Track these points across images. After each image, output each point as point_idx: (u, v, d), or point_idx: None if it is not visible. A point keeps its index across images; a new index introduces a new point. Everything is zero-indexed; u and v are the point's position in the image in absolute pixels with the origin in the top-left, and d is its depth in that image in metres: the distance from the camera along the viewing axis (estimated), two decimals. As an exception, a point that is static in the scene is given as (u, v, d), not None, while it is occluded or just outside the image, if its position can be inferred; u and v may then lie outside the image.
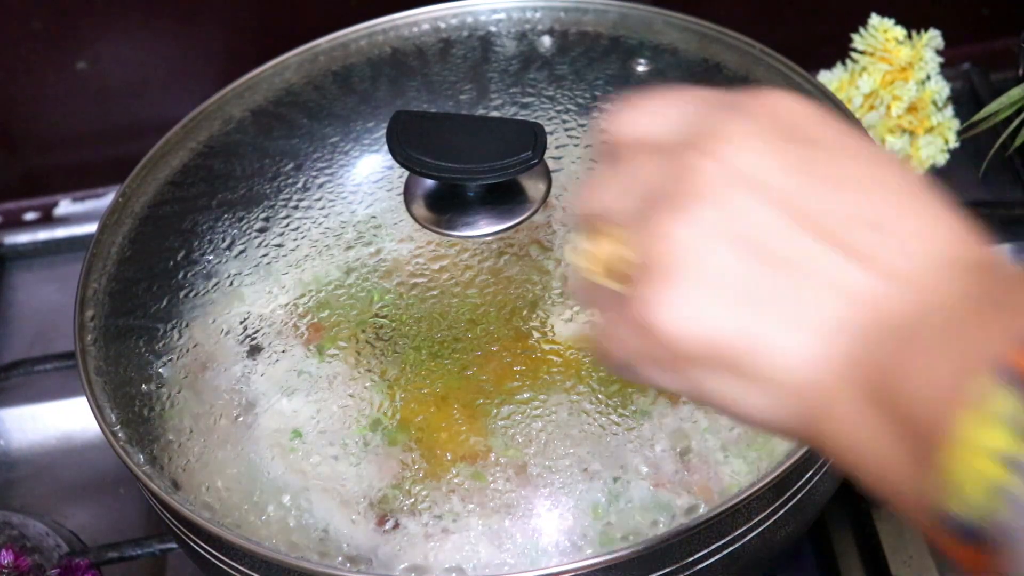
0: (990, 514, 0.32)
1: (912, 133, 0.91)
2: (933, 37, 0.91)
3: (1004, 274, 0.35)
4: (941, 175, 0.96)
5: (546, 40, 0.82)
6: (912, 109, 0.91)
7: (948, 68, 0.93)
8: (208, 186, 0.77)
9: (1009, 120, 0.86)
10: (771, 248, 0.37)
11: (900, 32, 0.90)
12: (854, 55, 0.91)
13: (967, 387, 0.32)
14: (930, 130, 0.91)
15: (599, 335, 0.43)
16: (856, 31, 0.91)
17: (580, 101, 0.79)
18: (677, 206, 0.38)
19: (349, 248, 0.72)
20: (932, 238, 0.36)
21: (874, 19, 0.91)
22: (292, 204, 0.75)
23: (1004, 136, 0.85)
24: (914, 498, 0.35)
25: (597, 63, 0.80)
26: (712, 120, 0.39)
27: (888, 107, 0.90)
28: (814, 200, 0.37)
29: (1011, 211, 0.95)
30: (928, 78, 0.91)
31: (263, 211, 0.75)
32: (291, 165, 0.77)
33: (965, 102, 0.99)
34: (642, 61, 0.80)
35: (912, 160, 0.92)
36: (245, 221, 0.75)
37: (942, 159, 0.92)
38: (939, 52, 0.91)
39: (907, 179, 0.38)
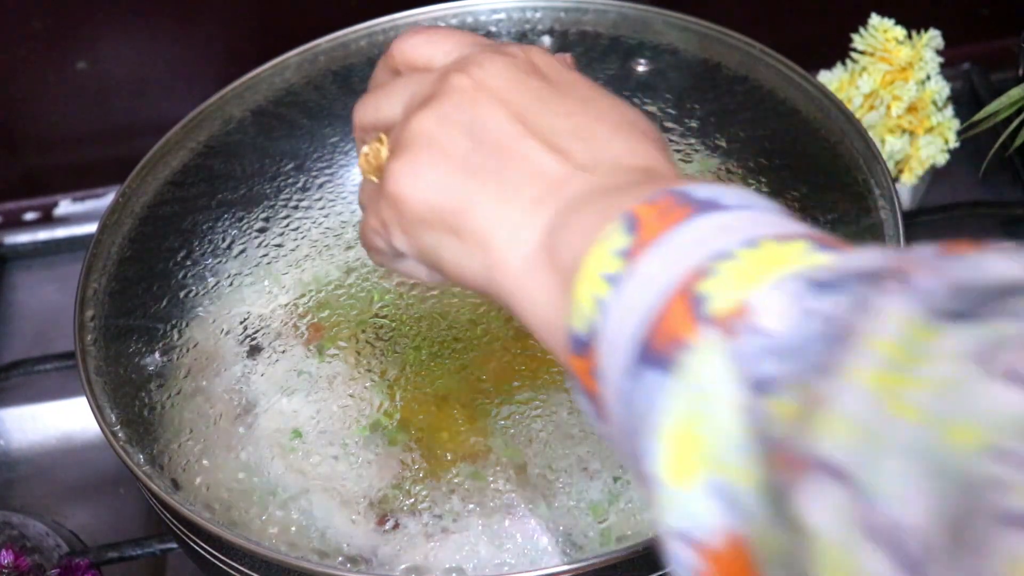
0: (592, 322, 0.40)
1: (912, 133, 0.91)
2: (933, 37, 0.91)
3: (659, 173, 0.44)
4: (941, 175, 0.96)
5: (546, 40, 0.82)
6: (912, 109, 0.91)
7: (948, 68, 0.93)
8: (208, 186, 0.77)
9: (1009, 120, 0.86)
10: (495, 138, 0.46)
11: (900, 32, 0.90)
12: (854, 55, 0.91)
13: (600, 232, 0.40)
14: (930, 130, 0.91)
15: (363, 226, 0.51)
16: (856, 31, 0.91)
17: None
18: (427, 103, 0.48)
19: (349, 248, 0.72)
20: (617, 151, 0.45)
21: (874, 19, 0.91)
22: (292, 204, 0.75)
23: (1004, 136, 0.85)
24: (556, 333, 0.42)
25: (597, 63, 0.80)
26: (476, 53, 0.49)
27: (888, 107, 0.90)
28: (536, 114, 0.46)
29: (1011, 211, 0.96)
30: (928, 78, 0.90)
31: (263, 211, 0.75)
32: (291, 165, 0.77)
33: (965, 102, 0.99)
34: (642, 61, 0.80)
35: (912, 160, 0.92)
36: (245, 221, 0.75)
37: (942, 159, 0.92)
38: (939, 52, 0.91)
39: (620, 117, 0.47)
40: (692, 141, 0.76)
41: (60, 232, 1.03)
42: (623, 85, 0.80)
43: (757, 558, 0.34)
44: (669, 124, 0.77)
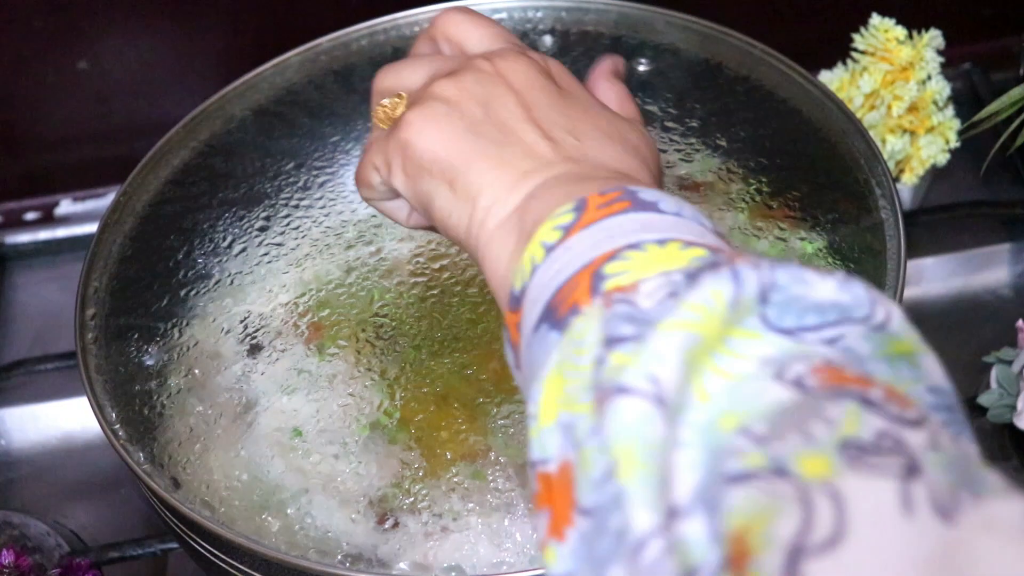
0: (525, 281, 0.46)
1: (913, 133, 0.91)
2: (934, 37, 0.91)
3: (633, 179, 0.50)
4: (942, 175, 0.96)
5: (547, 40, 0.82)
6: (913, 109, 0.91)
7: (949, 68, 0.93)
8: (209, 185, 0.77)
9: (1010, 120, 0.86)
10: (502, 117, 0.52)
11: (901, 32, 0.90)
12: (855, 55, 0.91)
13: (558, 208, 0.47)
14: (931, 130, 0.91)
15: (362, 162, 0.56)
16: (856, 31, 0.91)
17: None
18: (451, 75, 0.54)
19: (350, 247, 0.73)
20: (603, 154, 0.51)
21: (875, 19, 0.91)
22: (293, 203, 0.76)
23: (1005, 136, 0.85)
24: (504, 290, 0.48)
25: (595, 49, 0.80)
26: (504, 48, 0.56)
27: (889, 107, 0.90)
28: (540, 108, 0.53)
29: (1011, 211, 0.96)
30: (929, 78, 0.90)
31: (264, 210, 0.75)
32: (292, 164, 0.77)
33: (966, 102, 0.99)
34: (643, 61, 0.80)
35: (913, 160, 0.92)
36: (246, 220, 0.75)
37: (943, 159, 0.92)
38: (940, 52, 0.91)
39: (615, 130, 0.53)
40: (693, 141, 0.76)
41: (61, 232, 1.03)
42: (625, 84, 0.80)
43: (576, 479, 0.39)
44: (670, 124, 0.77)
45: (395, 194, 0.56)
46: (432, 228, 0.56)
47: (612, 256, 0.44)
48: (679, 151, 0.76)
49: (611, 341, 0.40)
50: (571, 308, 0.43)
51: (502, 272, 0.49)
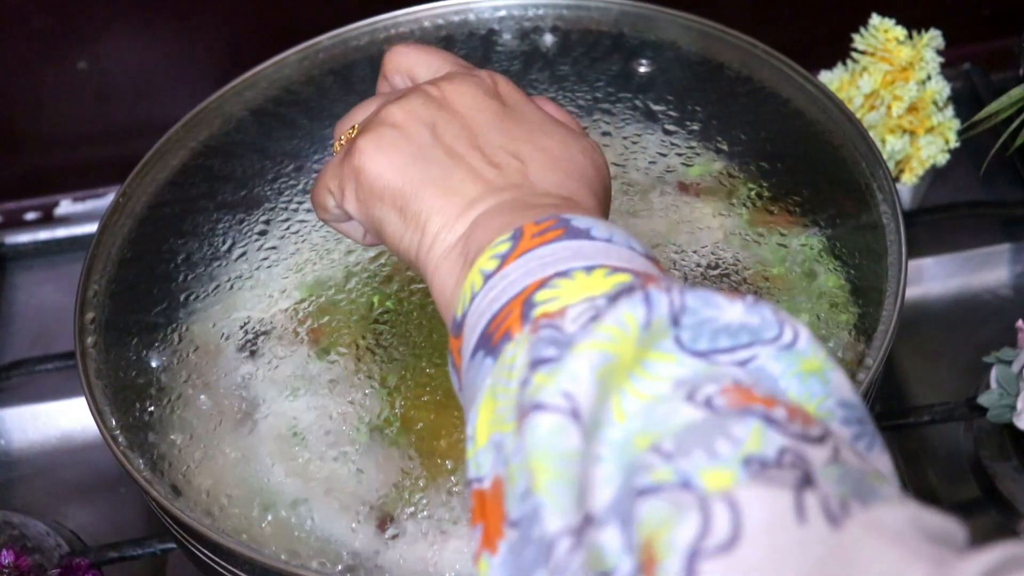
0: (465, 308, 0.48)
1: (913, 133, 0.91)
2: (934, 37, 0.91)
3: (575, 204, 0.52)
4: (942, 175, 0.96)
5: (548, 38, 0.82)
6: (913, 109, 0.91)
7: (948, 68, 0.93)
8: (208, 187, 0.77)
9: (1009, 120, 0.86)
10: (447, 142, 0.53)
11: (900, 32, 0.90)
12: (854, 55, 0.91)
13: (495, 239, 0.49)
14: (931, 130, 0.91)
15: (317, 183, 0.58)
16: (856, 31, 0.91)
17: (582, 101, 0.79)
18: (398, 100, 0.55)
19: (350, 252, 0.72)
20: (546, 179, 0.53)
21: (874, 19, 0.91)
22: (292, 207, 0.75)
23: (1004, 136, 0.85)
24: (449, 317, 0.50)
25: (599, 62, 0.80)
26: (449, 73, 0.57)
27: (889, 107, 0.90)
28: (485, 131, 0.54)
29: (1011, 211, 0.96)
30: (929, 78, 0.90)
31: (263, 213, 0.75)
32: (292, 167, 0.77)
33: (965, 102, 0.99)
34: (644, 61, 0.80)
35: (913, 160, 0.92)
36: (245, 224, 0.75)
37: (943, 159, 0.92)
38: (939, 52, 0.91)
39: (562, 152, 0.54)
40: (694, 144, 0.76)
41: (61, 232, 1.03)
42: (625, 84, 0.80)
43: (506, 494, 0.42)
44: (671, 127, 0.77)
45: (349, 216, 0.57)
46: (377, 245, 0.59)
47: (542, 284, 0.46)
48: (680, 155, 0.76)
49: (535, 363, 0.42)
50: (504, 335, 0.45)
51: (448, 298, 0.51)
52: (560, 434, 0.40)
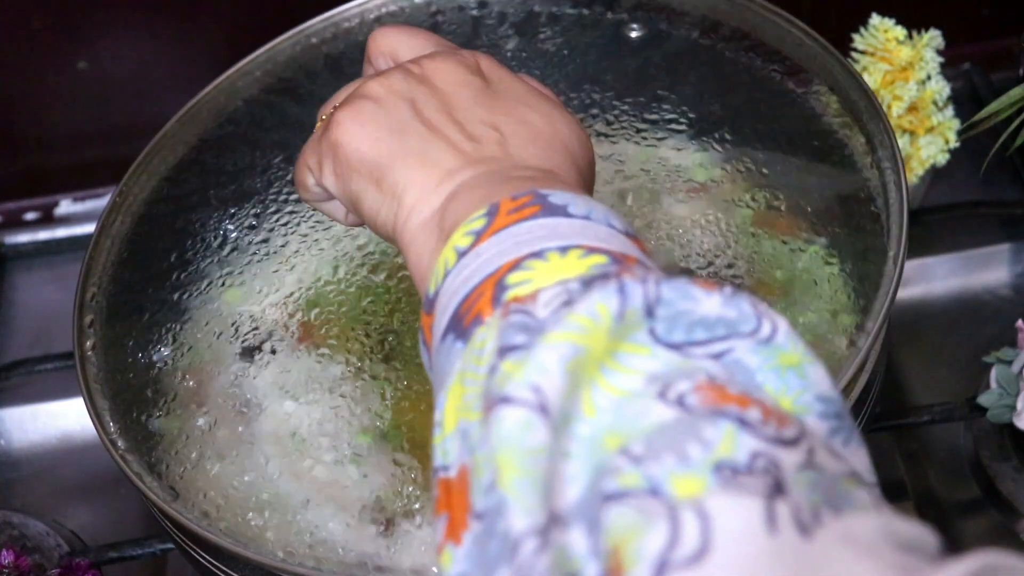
0: (437, 283, 0.47)
1: (912, 133, 0.91)
2: (933, 37, 0.91)
3: (556, 177, 0.51)
4: (942, 175, 0.96)
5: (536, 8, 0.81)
6: (912, 109, 0.91)
7: (948, 68, 0.93)
8: (201, 183, 0.77)
9: (1009, 120, 0.86)
10: (427, 115, 0.53)
11: (900, 32, 0.90)
12: (854, 55, 0.91)
13: (471, 214, 0.48)
14: (930, 130, 0.91)
15: (298, 163, 0.57)
16: (856, 31, 0.91)
17: (571, 76, 0.78)
18: (378, 76, 0.55)
19: (338, 242, 0.72)
20: (527, 152, 0.52)
21: (874, 19, 0.91)
22: (282, 198, 0.75)
23: (1004, 136, 0.85)
24: (423, 291, 0.49)
25: (589, 30, 0.79)
26: (433, 52, 0.57)
27: (888, 107, 0.90)
28: (465, 106, 0.53)
29: (1011, 211, 0.95)
30: (928, 78, 0.90)
31: (254, 206, 0.75)
32: (280, 157, 0.76)
33: (965, 102, 0.99)
34: (635, 26, 0.79)
35: (913, 160, 0.92)
36: (237, 218, 0.74)
37: (942, 159, 0.92)
38: (939, 52, 0.91)
39: (545, 126, 0.53)
40: (697, 141, 0.76)
41: (60, 232, 1.03)
42: (622, 47, 0.78)
43: (471, 484, 0.41)
44: (675, 126, 0.76)
45: (330, 194, 0.57)
46: (359, 225, 0.58)
47: (515, 266, 0.45)
48: (679, 149, 0.76)
49: (504, 350, 0.41)
50: (475, 318, 0.44)
51: (422, 272, 0.50)
52: (527, 429, 0.39)
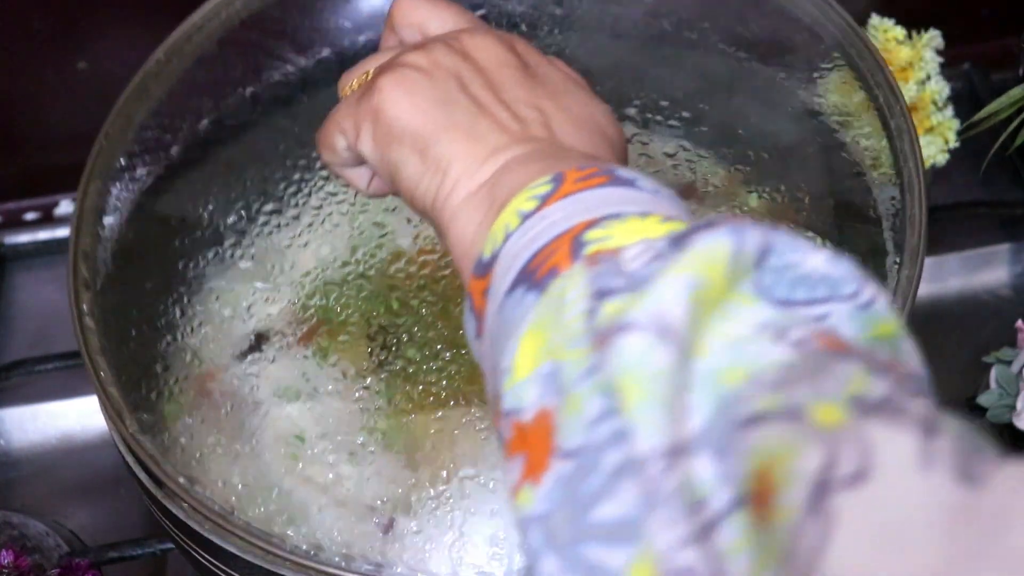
0: (496, 247, 0.46)
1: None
2: (933, 37, 0.91)
3: (602, 160, 0.50)
4: (941, 175, 0.96)
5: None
6: (912, 109, 0.91)
7: (948, 68, 0.93)
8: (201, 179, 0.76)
9: (1009, 120, 0.86)
10: (473, 92, 0.52)
11: (900, 32, 0.90)
12: (854, 55, 0.91)
13: (533, 181, 0.47)
14: (930, 130, 0.91)
15: (328, 124, 0.56)
16: (856, 31, 0.91)
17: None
18: (420, 48, 0.54)
19: (357, 251, 0.72)
20: (571, 139, 0.51)
21: (874, 19, 0.91)
22: (301, 200, 0.74)
23: (1004, 136, 0.85)
24: (469, 261, 0.48)
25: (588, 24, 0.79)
26: (469, 28, 0.56)
27: (888, 107, 0.90)
28: (508, 87, 0.52)
29: (1011, 211, 0.95)
30: (928, 78, 0.90)
31: (261, 204, 0.74)
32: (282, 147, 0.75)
33: (965, 102, 0.99)
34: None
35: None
36: (244, 214, 0.74)
37: (942, 159, 0.92)
38: (939, 52, 0.91)
39: (585, 115, 0.53)
40: (702, 147, 0.76)
41: (60, 232, 1.03)
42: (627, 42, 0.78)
43: (559, 425, 0.40)
44: (674, 122, 0.76)
45: (358, 160, 0.56)
46: (392, 194, 0.57)
47: (592, 224, 0.44)
48: (684, 149, 0.76)
49: (603, 293, 0.41)
50: (549, 271, 0.43)
51: (468, 241, 0.49)
52: (651, 353, 0.38)
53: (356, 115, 0.54)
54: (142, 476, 0.64)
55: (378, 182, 0.58)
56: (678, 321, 0.38)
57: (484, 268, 0.47)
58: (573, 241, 0.44)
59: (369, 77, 0.55)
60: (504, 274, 0.45)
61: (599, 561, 0.37)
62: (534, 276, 0.44)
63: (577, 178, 0.46)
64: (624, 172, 0.47)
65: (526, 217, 0.46)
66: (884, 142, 0.71)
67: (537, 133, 0.51)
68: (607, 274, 0.41)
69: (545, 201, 0.46)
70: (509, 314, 0.44)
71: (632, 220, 0.44)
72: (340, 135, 0.55)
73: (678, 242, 0.40)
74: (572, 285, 0.42)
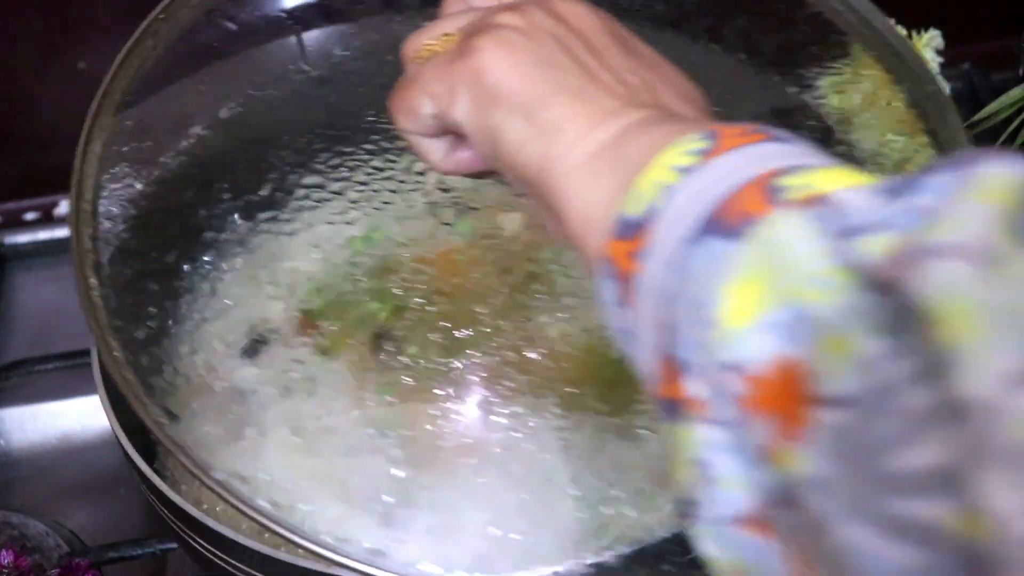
0: (651, 205, 0.42)
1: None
2: (933, 37, 0.91)
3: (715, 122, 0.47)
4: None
5: None
6: (912, 109, 0.91)
7: (948, 68, 0.93)
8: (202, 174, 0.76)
9: (1009, 120, 0.86)
10: (575, 53, 0.49)
11: (900, 32, 0.90)
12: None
13: (678, 138, 0.44)
14: (930, 130, 0.91)
15: (409, 92, 0.53)
16: (856, 31, 0.91)
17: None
18: (514, 9, 0.51)
19: (354, 249, 0.72)
20: (673, 103, 0.50)
21: (874, 19, 0.91)
22: (312, 203, 0.74)
23: (1004, 136, 0.85)
24: (599, 224, 0.45)
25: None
26: None
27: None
28: (609, 53, 0.50)
29: (1011, 211, 0.95)
30: (928, 78, 0.90)
31: (263, 201, 0.74)
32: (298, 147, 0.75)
33: (965, 102, 0.99)
34: None
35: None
36: (244, 212, 0.74)
37: (942, 159, 0.92)
38: (939, 52, 0.91)
39: (684, 88, 0.51)
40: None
41: (60, 232, 1.03)
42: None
43: (819, 372, 0.36)
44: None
45: (439, 129, 0.53)
46: (466, 174, 0.54)
47: (780, 173, 0.41)
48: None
49: (847, 232, 0.37)
50: (742, 218, 0.40)
51: (591, 208, 0.46)
52: (971, 281, 0.33)
53: (451, 78, 0.50)
54: (144, 469, 0.64)
55: (453, 156, 0.55)
56: (996, 247, 0.34)
57: (633, 228, 0.43)
58: (765, 189, 0.40)
59: (456, 39, 0.52)
60: (672, 227, 0.42)
61: (909, 515, 0.33)
62: (723, 224, 0.40)
63: (735, 134, 0.43)
64: (778, 131, 0.44)
65: (687, 171, 0.42)
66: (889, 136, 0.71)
67: (646, 99, 0.49)
68: (835, 215, 0.38)
69: (705, 155, 0.43)
70: (699, 266, 0.40)
71: (821, 171, 0.41)
72: (427, 99, 0.52)
73: (956, 175, 0.36)
74: (787, 230, 0.38)
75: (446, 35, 0.53)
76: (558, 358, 0.66)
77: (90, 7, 0.97)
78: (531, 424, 0.64)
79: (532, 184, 0.49)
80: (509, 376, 0.66)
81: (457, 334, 0.67)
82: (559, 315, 0.67)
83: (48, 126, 1.03)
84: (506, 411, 0.65)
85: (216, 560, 0.64)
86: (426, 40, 0.54)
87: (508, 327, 0.67)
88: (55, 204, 1.05)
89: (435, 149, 0.54)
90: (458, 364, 0.66)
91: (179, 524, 0.64)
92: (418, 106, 0.52)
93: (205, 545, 0.63)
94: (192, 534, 0.64)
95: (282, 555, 0.60)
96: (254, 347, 0.70)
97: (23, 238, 1.03)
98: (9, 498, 0.89)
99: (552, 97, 0.48)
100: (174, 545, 0.77)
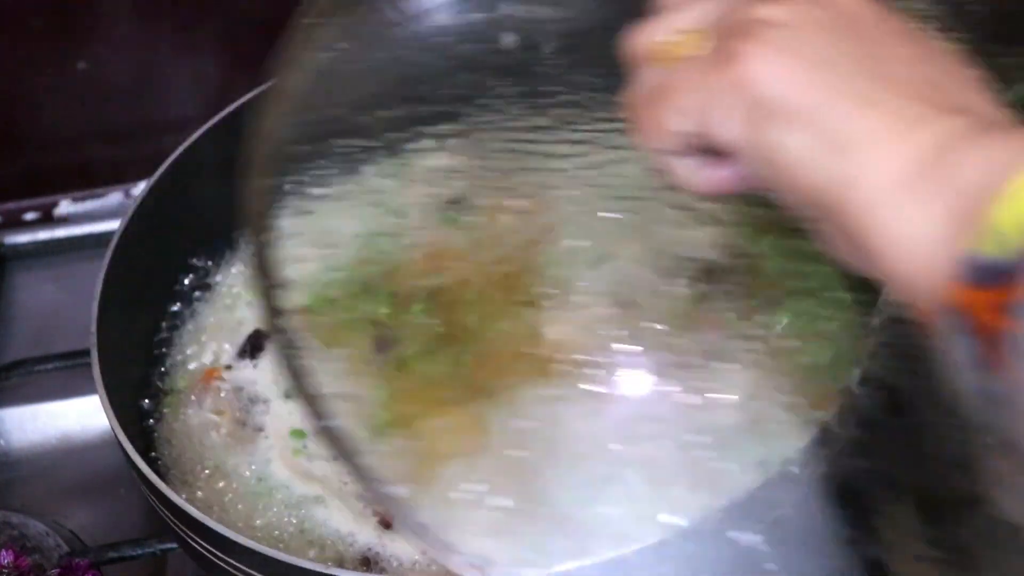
0: (1020, 245, 0.36)
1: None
2: (933, 37, 0.91)
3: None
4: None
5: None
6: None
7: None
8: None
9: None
10: (857, 48, 0.42)
11: None
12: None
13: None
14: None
15: (657, 108, 0.46)
16: (857, 31, 0.91)
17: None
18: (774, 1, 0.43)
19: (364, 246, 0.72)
20: (973, 101, 0.42)
21: (874, 19, 0.91)
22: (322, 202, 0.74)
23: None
24: (930, 263, 0.39)
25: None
26: None
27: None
28: (889, 41, 0.43)
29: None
30: (929, 78, 0.90)
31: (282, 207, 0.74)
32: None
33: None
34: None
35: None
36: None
37: (943, 159, 0.92)
38: (939, 52, 0.91)
39: (962, 72, 0.43)
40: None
41: (60, 232, 1.03)
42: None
43: None
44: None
45: (697, 148, 0.46)
46: (722, 193, 0.48)
47: None
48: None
49: None
50: None
51: (918, 242, 0.39)
52: None
53: (709, 91, 0.44)
54: (144, 469, 0.64)
55: (709, 176, 0.47)
56: None
57: (994, 275, 0.37)
58: None
59: (700, 38, 0.45)
60: None
61: None
62: None
63: None
64: None
65: None
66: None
67: (955, 101, 0.42)
68: None
69: None
70: None
71: None
72: (683, 116, 0.45)
73: None
74: None
75: (684, 31, 0.46)
76: (565, 355, 0.66)
77: (90, 7, 0.97)
78: (533, 420, 0.64)
79: (823, 207, 0.42)
80: (513, 372, 0.66)
81: (459, 329, 0.67)
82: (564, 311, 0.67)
83: (48, 126, 1.03)
84: (506, 409, 0.65)
85: (216, 560, 0.63)
86: (660, 37, 0.47)
87: (511, 325, 0.67)
88: (55, 204, 1.05)
89: (687, 168, 0.47)
90: (460, 362, 0.66)
91: (179, 524, 0.64)
92: (672, 124, 0.46)
93: (205, 545, 0.63)
94: (192, 534, 0.64)
95: (282, 555, 0.60)
96: (256, 347, 0.70)
97: (23, 238, 1.03)
98: (9, 498, 0.89)
99: (838, 105, 0.42)
100: (174, 545, 0.77)
